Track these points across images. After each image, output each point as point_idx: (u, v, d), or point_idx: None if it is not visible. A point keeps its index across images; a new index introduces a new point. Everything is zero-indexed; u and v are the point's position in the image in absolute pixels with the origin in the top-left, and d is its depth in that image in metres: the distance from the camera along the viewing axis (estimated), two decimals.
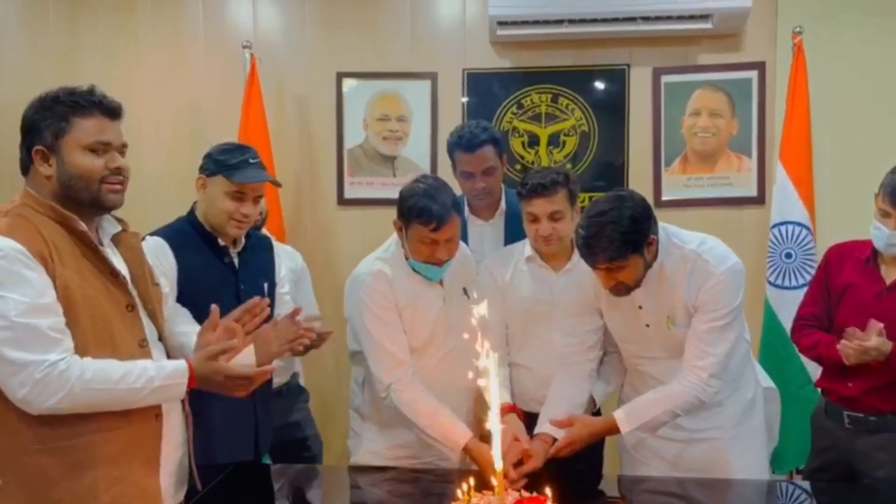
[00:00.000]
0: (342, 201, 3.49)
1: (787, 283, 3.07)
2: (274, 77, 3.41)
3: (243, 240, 2.22)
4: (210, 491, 1.93)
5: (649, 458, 2.16)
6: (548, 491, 1.65)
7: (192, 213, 2.19)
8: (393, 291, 2.14)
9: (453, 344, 2.19)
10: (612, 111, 3.37)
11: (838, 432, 2.21)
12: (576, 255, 2.24)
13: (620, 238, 1.84)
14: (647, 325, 2.07)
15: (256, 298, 1.84)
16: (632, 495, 2.11)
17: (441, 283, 2.22)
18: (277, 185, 2.57)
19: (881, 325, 2.00)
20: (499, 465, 1.64)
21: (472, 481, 1.73)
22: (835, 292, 2.24)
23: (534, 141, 3.40)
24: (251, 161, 2.12)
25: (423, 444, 2.15)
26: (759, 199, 3.33)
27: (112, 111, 1.65)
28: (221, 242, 2.16)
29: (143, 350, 1.64)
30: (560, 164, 3.33)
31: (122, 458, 1.58)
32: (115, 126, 1.65)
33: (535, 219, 2.17)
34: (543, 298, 2.24)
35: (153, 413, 1.64)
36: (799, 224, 3.08)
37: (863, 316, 2.09)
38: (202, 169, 2.15)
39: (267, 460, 2.34)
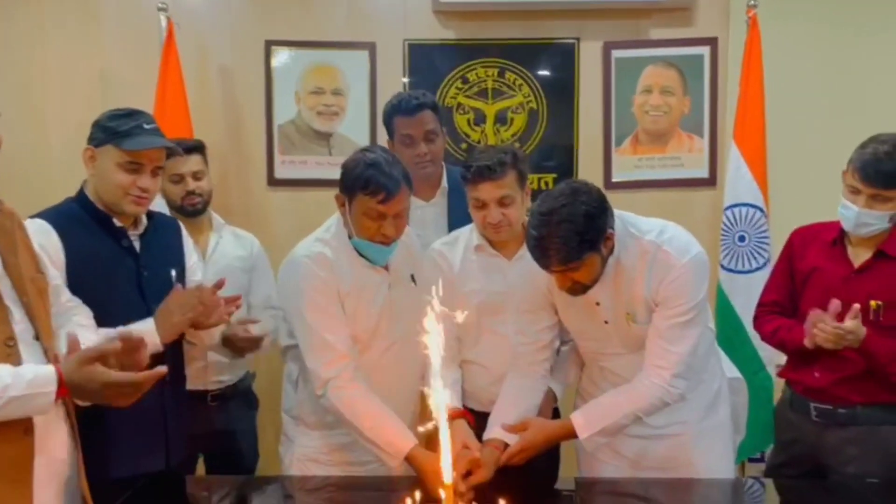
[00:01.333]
0: (273, 182, 3.22)
1: (740, 267, 2.97)
2: (194, 44, 3.11)
3: (145, 220, 1.96)
4: None
5: (609, 457, 2.01)
6: (501, 503, 1.48)
7: (81, 192, 1.92)
8: (335, 276, 1.92)
9: (399, 334, 1.99)
10: (562, 87, 3.20)
11: (805, 425, 2.10)
12: None
13: (576, 238, 1.66)
14: (606, 322, 1.91)
15: (129, 328, 1.57)
16: (589, 498, 1.96)
17: (386, 267, 2.00)
18: (177, 153, 2.28)
19: (857, 306, 1.87)
20: (448, 477, 1.46)
21: (417, 495, 1.54)
22: (799, 277, 2.12)
23: (480, 118, 3.20)
24: (146, 126, 1.86)
25: (365, 447, 1.93)
26: (711, 181, 3.23)
27: None
28: (118, 223, 1.89)
29: (8, 350, 1.38)
30: (507, 143, 3.14)
31: None
32: None
33: (482, 205, 1.96)
34: (496, 290, 2.04)
35: (21, 428, 1.38)
36: (752, 206, 2.97)
37: (829, 301, 1.97)
38: (90, 139, 1.88)
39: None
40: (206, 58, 3.16)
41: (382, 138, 3.10)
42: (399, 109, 2.30)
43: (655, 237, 1.82)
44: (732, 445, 2.11)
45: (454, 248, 2.11)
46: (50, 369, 1.37)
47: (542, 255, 1.71)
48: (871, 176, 1.90)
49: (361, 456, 1.99)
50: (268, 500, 1.97)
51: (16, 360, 1.38)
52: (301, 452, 2.06)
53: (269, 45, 3.15)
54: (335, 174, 3.10)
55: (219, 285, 1.88)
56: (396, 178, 1.86)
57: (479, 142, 3.19)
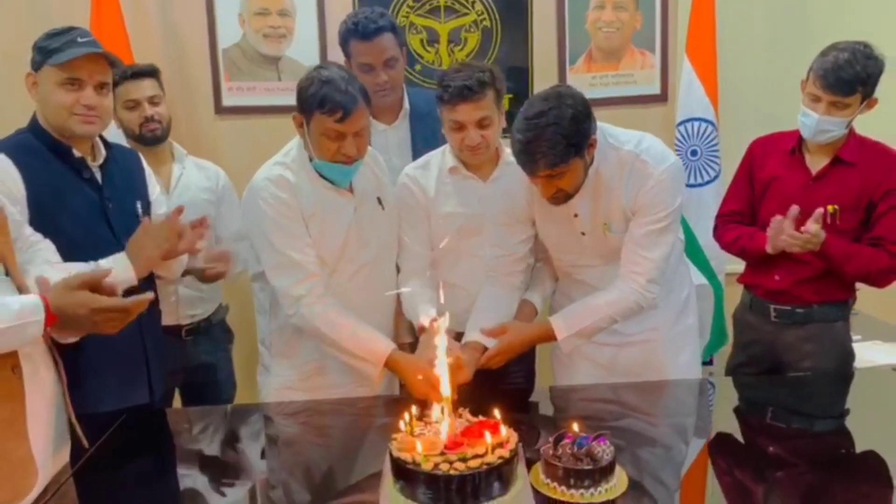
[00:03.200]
0: (220, 109, 3.08)
1: (693, 181, 3.07)
2: None
3: (103, 150, 1.87)
4: (101, 446, 1.67)
5: (583, 365, 2.09)
6: (496, 413, 1.52)
7: (34, 121, 1.82)
8: (297, 199, 1.88)
9: (366, 259, 1.99)
10: (514, 4, 3.14)
11: (763, 326, 2.23)
12: (503, 162, 2.05)
13: (563, 141, 1.68)
14: (583, 234, 1.95)
15: (102, 270, 1.50)
16: (566, 406, 2.04)
17: (351, 190, 1.97)
18: (112, 63, 2.18)
19: (820, 210, 1.97)
20: (447, 391, 1.50)
21: (413, 410, 1.57)
22: (759, 186, 2.21)
23: (433, 38, 3.12)
24: (80, 40, 1.76)
25: (340, 370, 1.95)
26: (663, 97, 3.26)
27: None
28: (77, 153, 1.80)
29: None
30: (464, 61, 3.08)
31: None
32: None
33: (460, 127, 1.93)
34: (473, 212, 2.04)
35: (9, 366, 1.35)
36: (704, 120, 3.05)
37: (789, 208, 2.06)
38: (31, 65, 1.78)
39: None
40: None
41: (335, 59, 3.02)
42: (356, 33, 2.20)
43: (633, 147, 1.86)
44: (699, 349, 2.22)
45: (427, 171, 2.09)
46: (35, 298, 1.35)
47: (529, 159, 1.72)
48: (832, 83, 1.97)
49: (335, 379, 2.00)
50: (249, 426, 1.97)
51: None
52: (278, 382, 2.06)
53: None
54: (286, 100, 3.04)
55: (178, 211, 1.85)
56: (353, 94, 1.81)
57: (433, 63, 3.13)
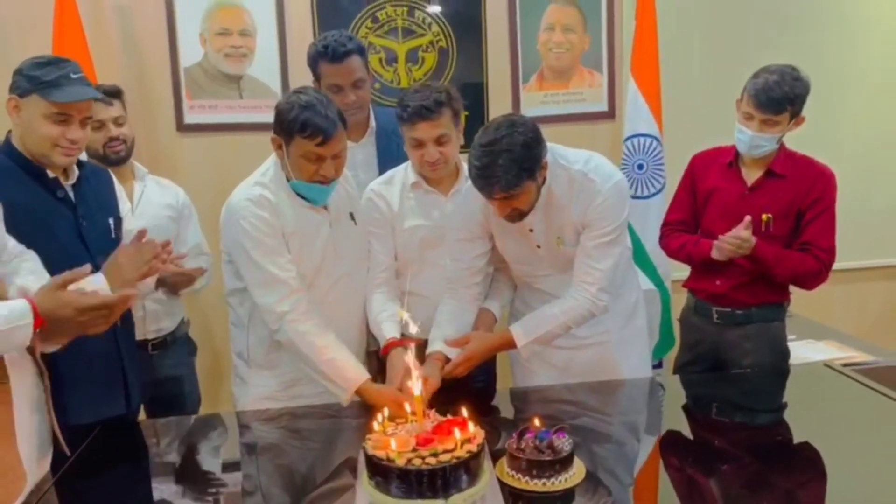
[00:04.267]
0: (182, 127, 3.13)
1: (640, 193, 3.22)
2: None
3: (76, 170, 1.91)
4: (81, 454, 1.71)
5: (541, 368, 2.20)
6: (464, 411, 1.62)
7: (7, 141, 1.85)
8: (277, 217, 1.95)
9: (342, 272, 2.07)
10: (470, 26, 3.27)
11: (707, 327, 2.38)
12: (462, 177, 2.17)
13: (515, 166, 1.78)
14: (539, 247, 2.06)
15: (77, 270, 1.52)
16: (525, 406, 2.14)
17: (326, 207, 2.06)
18: (108, 102, 2.25)
19: (749, 217, 2.14)
20: (418, 391, 1.60)
21: (386, 411, 1.66)
22: (701, 196, 2.37)
23: (391, 58, 3.23)
24: (73, 76, 1.80)
25: (314, 379, 2.02)
26: (610, 114, 3.42)
27: None
28: (51, 174, 1.84)
29: None
30: (422, 82, 3.20)
31: None
32: None
33: (419, 144, 2.04)
34: (434, 224, 2.15)
35: None
36: (649, 136, 3.21)
37: (728, 216, 2.24)
38: (13, 88, 1.81)
39: None
40: None
41: (294, 80, 3.11)
42: (326, 56, 2.27)
43: (582, 166, 1.98)
44: (649, 349, 2.37)
45: (391, 187, 2.18)
46: (22, 301, 1.38)
47: (485, 183, 1.82)
48: (763, 103, 2.14)
49: (315, 388, 2.06)
50: (226, 433, 2.04)
51: None
52: (257, 392, 2.12)
53: None
54: (247, 118, 3.15)
55: (142, 234, 1.88)
56: (333, 119, 1.89)
57: (392, 82, 3.24)
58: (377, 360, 2.29)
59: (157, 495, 1.65)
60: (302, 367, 2.01)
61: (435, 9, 3.22)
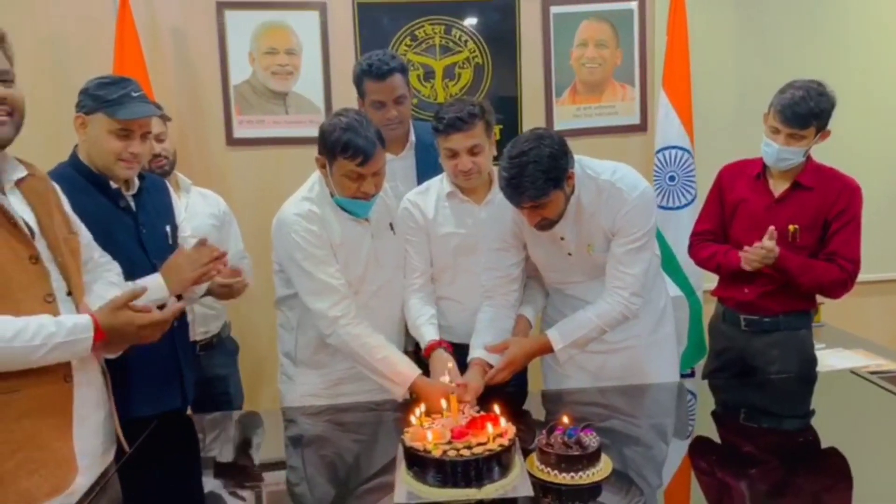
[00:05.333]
0: (231, 141, 3.30)
1: (671, 204, 3.29)
2: (144, 6, 3.12)
3: (136, 181, 2.07)
4: (141, 445, 1.85)
5: (573, 372, 2.28)
6: (496, 408, 1.72)
7: (74, 155, 2.01)
8: (325, 230, 2.09)
9: (383, 279, 2.20)
10: (505, 43, 3.39)
11: (735, 335, 2.44)
12: (495, 187, 2.27)
13: (542, 176, 1.88)
14: (570, 254, 2.15)
15: (136, 288, 1.67)
16: (556, 408, 2.21)
17: (367, 219, 2.18)
18: (166, 118, 2.41)
19: (773, 227, 2.21)
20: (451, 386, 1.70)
21: (422, 407, 1.77)
22: (728, 207, 2.44)
23: (429, 74, 3.36)
24: (134, 94, 1.95)
25: (361, 380, 2.15)
26: (642, 127, 3.51)
27: None
28: (114, 185, 2.00)
29: (48, 306, 1.52)
30: (457, 96, 3.32)
31: (27, 421, 1.48)
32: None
33: (453, 154, 2.16)
34: (469, 232, 2.26)
35: (62, 374, 1.54)
36: (680, 148, 3.28)
37: (755, 227, 2.30)
38: (79, 106, 1.96)
39: None
40: (158, 20, 3.18)
41: (337, 96, 3.26)
42: (370, 74, 2.39)
43: (609, 176, 2.07)
44: (677, 354, 2.43)
45: (426, 196, 2.30)
46: (86, 317, 1.53)
47: (514, 193, 1.93)
48: (789, 117, 2.21)
49: (357, 387, 2.20)
50: (276, 426, 2.18)
51: (54, 313, 1.52)
52: (303, 389, 2.25)
53: (221, 6, 3.19)
54: (292, 132, 3.31)
55: (203, 242, 2.03)
56: (372, 139, 2.01)
57: (429, 97, 3.37)
58: (414, 359, 2.41)
59: (209, 486, 1.77)
60: (348, 366, 2.14)
61: (471, 21, 3.34)
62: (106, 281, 1.78)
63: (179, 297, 2.03)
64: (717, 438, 1.96)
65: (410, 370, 2.06)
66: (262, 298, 2.72)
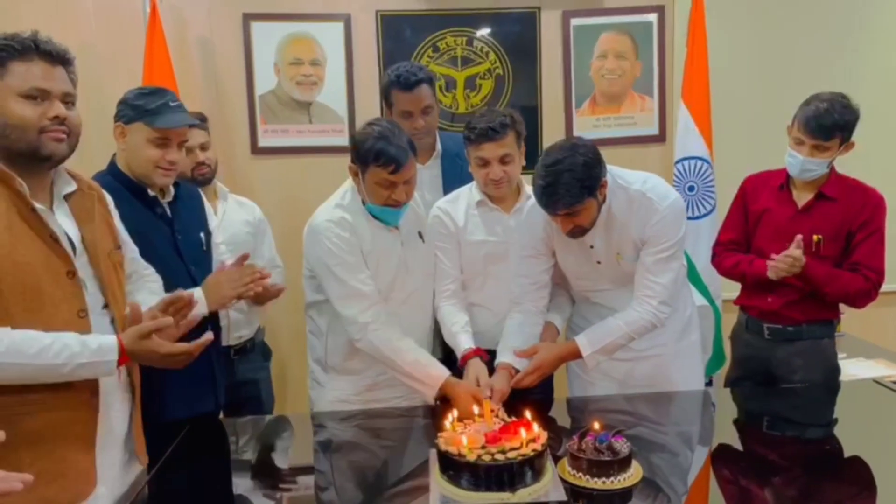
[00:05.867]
0: (256, 150, 3.36)
1: (691, 214, 3.29)
2: (172, 17, 3.19)
3: (172, 189, 2.12)
4: (176, 448, 1.89)
5: (599, 380, 2.30)
6: (528, 414, 1.74)
7: (112, 164, 2.05)
8: (356, 237, 2.13)
9: (413, 287, 2.23)
10: (525, 54, 3.44)
11: (758, 343, 2.46)
12: (524, 196, 2.32)
13: (577, 184, 1.92)
14: (599, 263, 2.18)
15: (180, 291, 1.72)
16: (581, 416, 2.24)
17: (397, 227, 2.22)
18: (203, 128, 2.46)
19: (800, 236, 2.23)
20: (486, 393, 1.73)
21: (455, 412, 1.80)
22: (752, 217, 2.46)
23: (451, 84, 3.41)
24: (172, 104, 2.01)
25: (390, 385, 2.18)
26: (661, 137, 3.54)
27: (53, 56, 1.52)
28: (151, 193, 2.04)
29: (81, 321, 1.54)
30: (478, 108, 3.37)
31: (48, 433, 1.50)
32: (57, 72, 1.53)
33: (485, 163, 2.20)
34: (499, 240, 2.29)
35: (87, 390, 1.55)
36: (700, 159, 3.31)
37: (779, 237, 2.33)
38: (118, 116, 2.02)
39: None
40: (185, 31, 3.25)
41: (360, 106, 3.31)
42: (398, 84, 2.44)
43: (640, 186, 2.10)
44: (702, 363, 2.45)
45: (456, 205, 2.34)
46: (112, 340, 1.54)
47: (549, 200, 1.96)
48: (814, 129, 2.24)
49: (386, 394, 2.24)
50: (306, 431, 2.21)
51: (86, 329, 1.54)
52: (333, 395, 2.29)
53: (247, 18, 3.26)
54: (316, 142, 3.37)
55: (244, 258, 2.07)
56: (405, 148, 2.06)
57: (450, 107, 3.42)
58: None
59: (239, 489, 1.80)
60: (377, 371, 2.17)
61: (493, 32, 3.39)
62: (147, 290, 1.82)
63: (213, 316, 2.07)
64: (739, 446, 1.98)
65: (440, 372, 2.10)
66: (288, 304, 2.76)
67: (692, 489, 1.76)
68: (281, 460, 2.02)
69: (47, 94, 1.50)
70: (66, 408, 1.52)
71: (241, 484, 1.81)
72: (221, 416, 2.27)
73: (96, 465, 1.57)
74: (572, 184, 1.91)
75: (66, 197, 1.60)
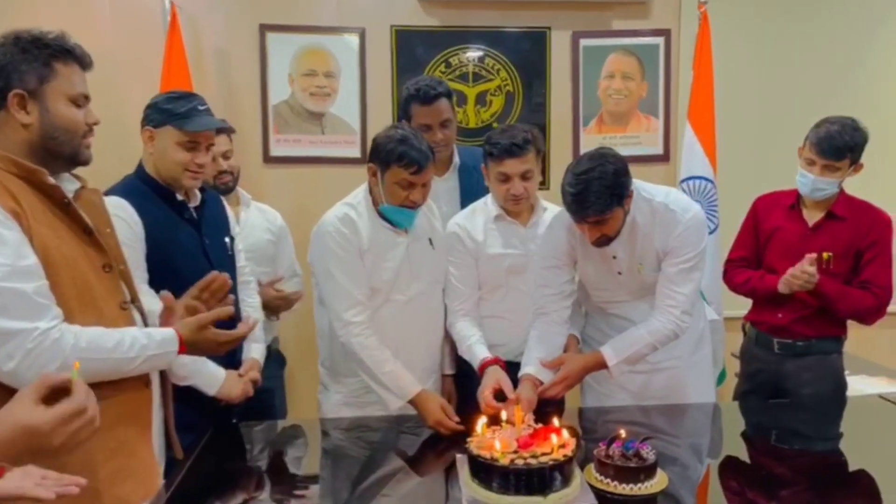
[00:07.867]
0: (268, 159, 3.39)
1: None
2: (189, 27, 3.21)
3: (198, 194, 2.14)
4: (199, 454, 1.91)
5: (614, 391, 2.34)
6: (555, 421, 1.78)
7: (141, 169, 2.07)
8: (356, 234, 2.17)
9: (418, 290, 2.26)
10: (535, 72, 3.50)
11: (768, 358, 2.53)
12: (540, 209, 2.36)
13: (607, 192, 1.96)
14: (619, 273, 2.23)
15: (214, 272, 1.74)
16: (593, 427, 2.28)
17: (406, 232, 2.25)
18: (231, 130, 2.50)
19: (814, 255, 2.31)
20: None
21: (484, 419, 1.82)
22: (763, 236, 2.53)
23: (462, 100, 3.46)
24: (200, 108, 2.04)
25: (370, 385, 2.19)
26: (665, 157, 3.62)
27: (85, 61, 1.55)
28: (179, 197, 2.07)
29: (124, 313, 1.56)
30: (489, 123, 3.43)
31: (118, 427, 1.51)
32: (85, 78, 1.56)
33: (506, 178, 2.24)
34: (518, 252, 2.33)
35: (143, 381, 1.58)
36: (704, 178, 3.37)
37: (789, 255, 2.40)
38: (147, 120, 2.04)
39: None
40: (202, 41, 3.28)
41: (372, 118, 3.35)
42: (417, 98, 2.48)
43: (663, 199, 2.16)
44: (713, 376, 2.51)
45: (474, 219, 2.38)
46: (171, 332, 1.57)
47: (579, 208, 2.00)
48: (825, 150, 2.32)
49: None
50: (315, 438, 2.23)
51: (130, 321, 1.56)
52: (335, 399, 2.32)
53: (264, 29, 3.30)
54: (328, 152, 3.40)
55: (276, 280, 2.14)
56: (425, 152, 2.12)
57: (460, 122, 3.46)
58: (453, 383, 2.50)
59: (254, 495, 1.82)
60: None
61: (504, 50, 3.44)
62: (145, 290, 1.85)
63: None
64: (746, 459, 2.02)
65: (413, 385, 2.13)
66: (299, 309, 2.78)
67: (699, 500, 1.79)
68: (291, 467, 2.02)
69: (87, 100, 1.53)
70: (126, 401, 1.54)
71: (255, 490, 1.84)
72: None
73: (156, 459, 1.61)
74: (602, 191, 1.95)
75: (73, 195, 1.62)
